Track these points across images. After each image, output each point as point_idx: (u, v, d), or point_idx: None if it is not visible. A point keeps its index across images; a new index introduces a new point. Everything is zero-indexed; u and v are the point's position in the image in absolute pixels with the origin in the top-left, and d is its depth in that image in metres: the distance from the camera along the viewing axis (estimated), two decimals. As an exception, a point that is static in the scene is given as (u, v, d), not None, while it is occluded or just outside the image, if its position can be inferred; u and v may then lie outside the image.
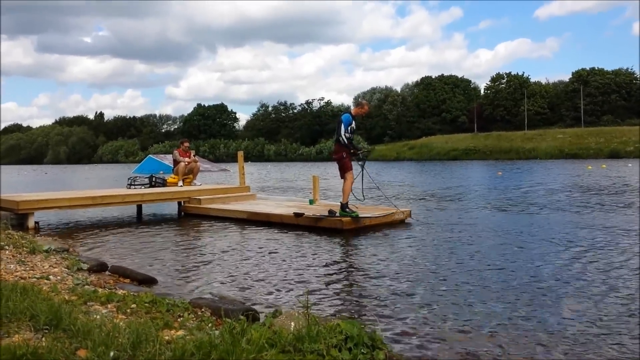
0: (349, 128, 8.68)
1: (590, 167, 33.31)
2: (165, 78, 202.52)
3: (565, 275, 5.30)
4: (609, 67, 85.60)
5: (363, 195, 9.08)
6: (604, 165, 34.78)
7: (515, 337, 3.63)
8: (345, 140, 8.62)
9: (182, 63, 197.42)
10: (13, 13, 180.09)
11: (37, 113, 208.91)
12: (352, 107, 9.18)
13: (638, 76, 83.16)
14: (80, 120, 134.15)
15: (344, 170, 8.79)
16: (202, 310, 3.89)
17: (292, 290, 4.96)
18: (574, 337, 3.60)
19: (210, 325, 3.49)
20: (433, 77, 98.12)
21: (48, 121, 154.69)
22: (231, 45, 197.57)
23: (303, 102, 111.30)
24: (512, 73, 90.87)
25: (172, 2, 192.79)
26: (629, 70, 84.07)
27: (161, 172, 13.37)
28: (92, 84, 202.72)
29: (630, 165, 34.70)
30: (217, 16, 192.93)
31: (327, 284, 5.22)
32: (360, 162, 9.00)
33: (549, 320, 3.96)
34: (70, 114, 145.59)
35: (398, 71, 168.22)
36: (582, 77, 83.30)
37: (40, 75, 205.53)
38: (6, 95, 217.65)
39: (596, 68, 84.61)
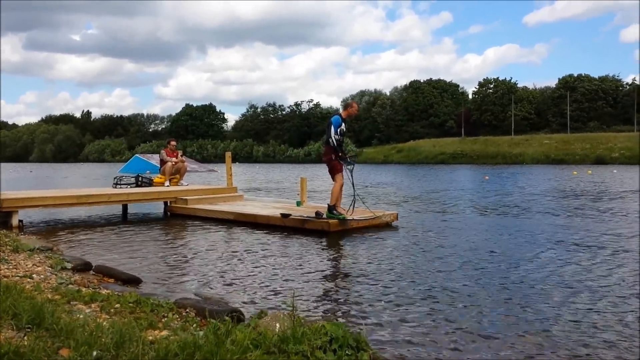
0: (339, 130, 8.68)
1: (575, 172, 33.62)
2: (155, 77, 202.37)
3: (549, 277, 5.35)
4: (596, 73, 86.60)
5: (353, 205, 9.04)
6: (590, 171, 35.11)
7: (499, 338, 3.65)
8: (335, 142, 8.62)
9: (172, 62, 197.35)
10: (1, 10, 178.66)
11: (24, 110, 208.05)
12: (340, 110, 9.14)
13: (624, 83, 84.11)
14: (67, 119, 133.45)
15: (333, 172, 8.79)
16: (187, 310, 3.87)
17: (277, 291, 4.96)
18: (567, 338, 3.63)
19: (194, 325, 3.48)
20: (422, 81, 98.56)
21: (35, 119, 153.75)
22: (221, 46, 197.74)
23: (292, 103, 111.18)
24: (500, 78, 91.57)
25: (163, 1, 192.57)
26: (616, 77, 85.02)
27: (148, 171, 13.32)
28: (80, 82, 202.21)
29: (615, 171, 35.09)
30: (208, 16, 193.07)
31: (313, 285, 5.22)
32: (349, 167, 8.96)
33: (536, 321, 3.99)
34: (58, 112, 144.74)
35: (388, 74, 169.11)
36: (568, 84, 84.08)
37: (28, 73, 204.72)
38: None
39: (583, 74, 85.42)
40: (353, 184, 8.93)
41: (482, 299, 4.67)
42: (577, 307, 4.40)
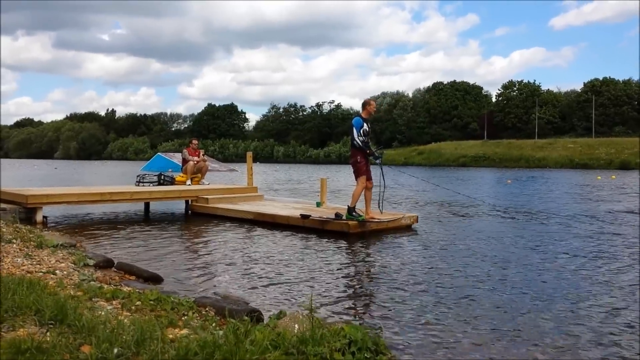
0: (362, 131, 8.65)
1: (600, 177, 33.10)
2: (180, 77, 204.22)
3: (568, 286, 5.27)
4: (622, 78, 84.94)
5: (380, 205, 9.20)
6: (614, 176, 34.55)
7: (519, 347, 3.60)
8: (360, 143, 8.61)
9: (197, 62, 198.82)
10: (32, 9, 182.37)
11: (51, 108, 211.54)
12: (360, 111, 9.17)
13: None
14: (91, 117, 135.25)
15: (357, 175, 8.78)
16: (207, 309, 3.90)
17: (296, 292, 4.96)
18: (582, 343, 3.58)
19: (214, 324, 3.50)
20: (445, 83, 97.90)
21: (61, 116, 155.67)
22: (247, 47, 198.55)
23: (314, 104, 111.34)
24: (524, 81, 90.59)
25: (191, 2, 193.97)
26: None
27: (170, 170, 13.49)
28: (107, 81, 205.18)
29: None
30: (235, 17, 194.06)
31: (332, 287, 5.21)
32: (377, 161, 8.98)
33: (557, 331, 3.93)
34: (84, 110, 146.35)
35: (412, 76, 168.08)
36: (595, 88, 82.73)
37: (56, 71, 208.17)
38: (22, 90, 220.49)
39: (608, 78, 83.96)
40: (383, 178, 8.98)
41: (502, 304, 4.61)
42: (595, 311, 4.33)
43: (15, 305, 3.18)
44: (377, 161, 8.98)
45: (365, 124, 8.71)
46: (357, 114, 9.21)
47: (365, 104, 8.99)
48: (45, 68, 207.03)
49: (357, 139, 8.59)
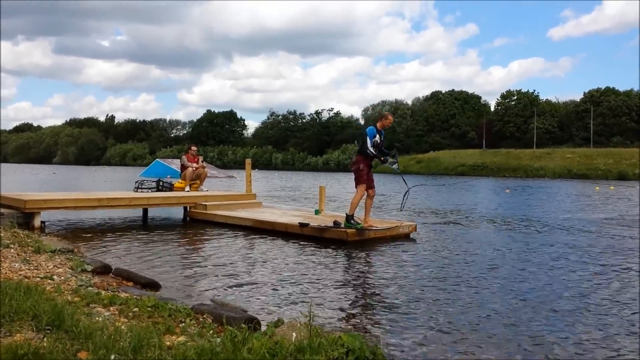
0: (374, 141, 8.66)
1: (598, 188, 33.14)
2: (179, 83, 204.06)
3: (566, 294, 5.27)
4: (622, 88, 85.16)
5: (402, 205, 9.82)
6: (612, 187, 34.59)
7: (513, 354, 3.60)
8: (373, 152, 8.61)
9: (197, 69, 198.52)
10: (33, 14, 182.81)
11: (50, 113, 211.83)
12: (364, 120, 9.22)
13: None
14: (90, 122, 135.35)
15: (357, 182, 8.78)
16: (204, 316, 3.88)
17: (294, 300, 4.95)
18: (577, 351, 3.59)
19: (211, 332, 3.49)
20: (443, 92, 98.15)
21: (60, 122, 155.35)
22: (246, 54, 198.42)
23: (313, 112, 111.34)
24: (523, 90, 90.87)
25: (191, 10, 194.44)
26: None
27: (168, 176, 13.51)
28: (107, 86, 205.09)
29: (639, 187, 34.48)
30: (235, 25, 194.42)
31: (330, 295, 5.20)
32: (395, 167, 9.06)
33: (557, 342, 3.93)
34: (84, 115, 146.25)
35: (411, 85, 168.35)
36: (594, 97, 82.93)
37: (56, 77, 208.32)
38: (21, 95, 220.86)
39: (610, 88, 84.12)
40: (405, 182, 9.43)
41: (499, 313, 4.61)
42: (585, 322, 4.32)
43: (12, 310, 3.18)
44: (394, 167, 9.03)
45: (377, 136, 8.71)
46: (372, 123, 9.22)
47: (382, 117, 8.98)
48: (46, 73, 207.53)
49: (370, 149, 8.60)
